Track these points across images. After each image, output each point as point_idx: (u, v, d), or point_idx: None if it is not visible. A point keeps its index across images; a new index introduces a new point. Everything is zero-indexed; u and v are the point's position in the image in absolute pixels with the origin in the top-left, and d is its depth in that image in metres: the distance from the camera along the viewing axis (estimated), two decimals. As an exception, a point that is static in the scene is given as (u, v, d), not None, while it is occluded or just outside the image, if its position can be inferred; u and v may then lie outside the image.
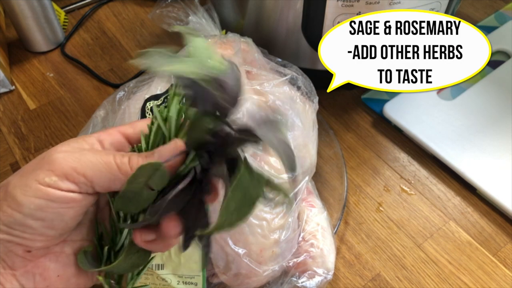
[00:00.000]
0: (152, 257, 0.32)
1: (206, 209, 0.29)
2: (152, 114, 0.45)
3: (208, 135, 0.28)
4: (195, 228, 0.29)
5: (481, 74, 0.63)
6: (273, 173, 0.42)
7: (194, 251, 0.39)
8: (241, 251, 0.39)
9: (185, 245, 0.29)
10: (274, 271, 0.41)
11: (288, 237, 0.42)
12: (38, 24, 0.67)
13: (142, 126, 0.31)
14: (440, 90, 0.62)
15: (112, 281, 0.32)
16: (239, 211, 0.26)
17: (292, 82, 0.50)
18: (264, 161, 0.42)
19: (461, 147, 0.55)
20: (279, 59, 0.53)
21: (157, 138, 0.31)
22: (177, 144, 0.29)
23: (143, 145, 0.30)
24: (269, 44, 0.57)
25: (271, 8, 0.55)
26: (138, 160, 0.27)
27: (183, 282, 0.40)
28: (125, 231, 0.31)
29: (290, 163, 0.28)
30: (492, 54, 0.66)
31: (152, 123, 0.31)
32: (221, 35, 0.54)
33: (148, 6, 0.77)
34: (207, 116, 0.28)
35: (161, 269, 0.39)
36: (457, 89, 0.62)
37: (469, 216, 0.52)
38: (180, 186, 0.27)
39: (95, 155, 0.27)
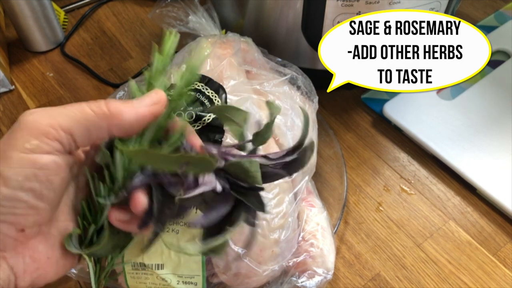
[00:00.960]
0: (133, 239, 0.32)
1: (176, 203, 0.30)
2: None
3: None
4: (159, 213, 0.29)
5: (481, 74, 0.63)
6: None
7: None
8: (241, 251, 0.39)
9: (142, 225, 0.29)
10: (274, 271, 0.41)
11: (288, 237, 0.42)
12: (38, 23, 0.66)
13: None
14: (440, 90, 0.62)
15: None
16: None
17: (292, 81, 0.50)
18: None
19: (461, 147, 0.55)
20: (279, 59, 0.53)
21: None
22: (158, 94, 0.29)
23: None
24: (269, 44, 0.57)
25: (271, 7, 0.55)
26: (116, 103, 0.27)
27: (183, 282, 0.40)
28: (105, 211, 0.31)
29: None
30: (492, 54, 0.66)
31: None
32: (221, 34, 0.54)
33: (148, 6, 0.77)
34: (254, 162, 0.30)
35: (161, 269, 0.39)
36: (457, 89, 0.62)
37: (469, 216, 0.52)
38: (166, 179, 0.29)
39: (67, 108, 0.26)
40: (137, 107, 0.28)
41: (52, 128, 0.25)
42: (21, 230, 0.26)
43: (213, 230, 0.30)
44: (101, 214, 0.31)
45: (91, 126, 0.26)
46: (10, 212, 0.25)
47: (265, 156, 0.31)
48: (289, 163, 0.31)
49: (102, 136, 0.27)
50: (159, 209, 0.29)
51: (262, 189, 0.30)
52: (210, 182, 0.29)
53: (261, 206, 0.30)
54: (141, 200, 0.28)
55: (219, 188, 0.29)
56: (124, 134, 0.28)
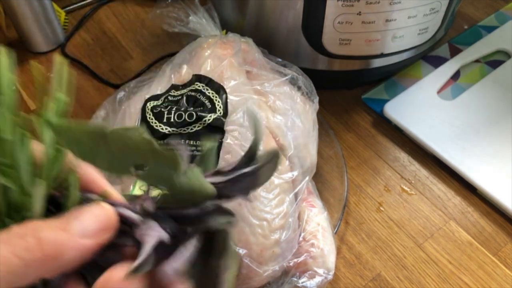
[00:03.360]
0: None
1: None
2: (152, 114, 0.45)
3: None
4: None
5: (481, 74, 0.63)
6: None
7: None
8: (241, 251, 0.39)
9: None
10: (274, 271, 0.41)
11: (288, 237, 0.42)
12: (39, 24, 0.67)
13: None
14: (440, 90, 0.62)
15: None
16: None
17: (293, 82, 0.50)
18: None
19: (461, 147, 0.55)
20: (279, 59, 0.53)
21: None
22: (108, 214, 0.21)
23: None
24: (269, 44, 0.57)
25: (271, 8, 0.55)
26: (51, 234, 0.19)
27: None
28: None
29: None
30: (492, 54, 0.66)
31: None
32: (221, 35, 0.54)
33: (148, 6, 0.77)
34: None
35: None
36: (457, 89, 0.62)
37: (469, 216, 0.52)
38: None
39: None
40: (80, 237, 0.20)
41: None
42: None
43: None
44: None
45: (16, 278, 0.18)
46: None
47: (217, 172, 0.23)
48: (244, 176, 0.23)
49: (27, 283, 0.19)
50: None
51: (216, 201, 0.22)
52: (152, 235, 0.21)
53: (230, 217, 0.22)
54: None
55: (165, 236, 0.21)
56: (56, 274, 0.20)
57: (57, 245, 0.19)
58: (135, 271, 0.20)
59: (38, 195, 0.20)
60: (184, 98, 0.46)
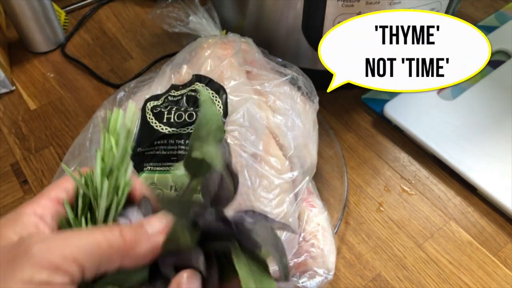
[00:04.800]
0: None
1: None
2: (152, 114, 0.45)
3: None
4: None
5: (481, 74, 0.63)
6: (273, 173, 0.42)
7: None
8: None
9: None
10: (274, 272, 0.41)
11: (288, 237, 0.41)
12: (39, 24, 0.67)
13: (72, 187, 0.28)
14: (440, 90, 0.62)
15: None
16: None
17: (293, 82, 0.50)
18: (265, 161, 0.42)
19: (462, 147, 0.55)
20: (280, 59, 0.53)
21: (85, 206, 0.28)
22: (167, 217, 0.27)
23: (70, 214, 0.27)
24: (270, 44, 0.57)
25: (271, 8, 0.55)
26: (131, 231, 0.25)
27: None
28: None
29: (284, 269, 0.29)
30: (492, 54, 0.66)
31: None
32: (221, 35, 0.54)
33: (148, 6, 0.77)
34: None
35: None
36: (458, 89, 0.62)
37: (469, 216, 0.52)
38: None
39: (80, 237, 0.24)
40: (150, 235, 0.26)
41: (65, 260, 0.22)
42: None
43: None
44: None
45: (104, 258, 0.24)
46: None
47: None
48: None
49: (111, 268, 0.24)
50: None
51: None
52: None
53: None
54: None
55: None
56: (134, 265, 0.25)
57: (134, 238, 0.25)
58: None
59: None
60: (184, 98, 0.46)
